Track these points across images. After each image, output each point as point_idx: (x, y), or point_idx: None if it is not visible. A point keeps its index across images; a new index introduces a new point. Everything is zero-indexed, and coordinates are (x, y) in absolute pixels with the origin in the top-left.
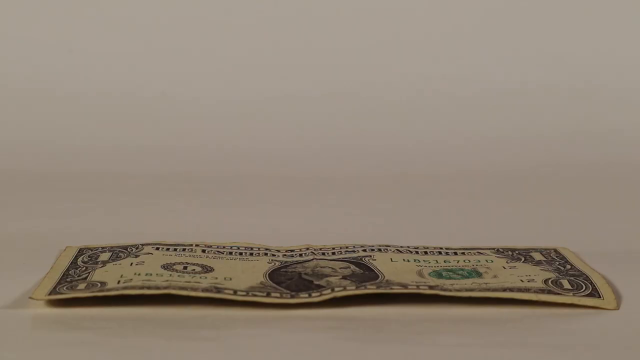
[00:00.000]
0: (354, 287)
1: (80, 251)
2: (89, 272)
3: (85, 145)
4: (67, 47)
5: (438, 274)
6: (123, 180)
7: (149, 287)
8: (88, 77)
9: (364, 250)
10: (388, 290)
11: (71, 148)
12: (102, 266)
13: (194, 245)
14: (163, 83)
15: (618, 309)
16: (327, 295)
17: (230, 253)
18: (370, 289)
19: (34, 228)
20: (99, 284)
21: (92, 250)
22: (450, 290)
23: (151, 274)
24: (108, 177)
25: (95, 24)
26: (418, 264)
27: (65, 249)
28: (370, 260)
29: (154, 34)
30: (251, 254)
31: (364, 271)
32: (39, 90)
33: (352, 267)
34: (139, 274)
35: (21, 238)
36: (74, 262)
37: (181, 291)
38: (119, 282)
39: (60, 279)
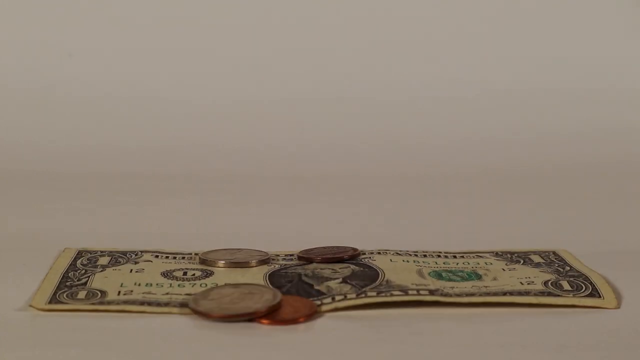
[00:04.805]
0: (354, 295)
1: (79, 253)
2: (89, 276)
3: (86, 145)
4: (67, 51)
5: (438, 274)
6: (123, 180)
7: (149, 303)
8: (88, 80)
9: (364, 254)
10: (388, 298)
11: (71, 148)
12: (101, 270)
13: (193, 254)
14: (163, 84)
15: (619, 307)
16: (329, 305)
17: None
18: (371, 296)
19: (34, 228)
20: (99, 293)
21: (91, 254)
22: (451, 296)
23: (151, 284)
24: (108, 177)
25: (94, 29)
26: (418, 264)
27: (64, 250)
28: (370, 261)
29: (154, 35)
30: None
31: (364, 269)
32: (39, 92)
33: (352, 266)
34: (139, 284)
35: (21, 238)
36: (73, 264)
37: (182, 309)
38: (119, 292)
39: (60, 282)
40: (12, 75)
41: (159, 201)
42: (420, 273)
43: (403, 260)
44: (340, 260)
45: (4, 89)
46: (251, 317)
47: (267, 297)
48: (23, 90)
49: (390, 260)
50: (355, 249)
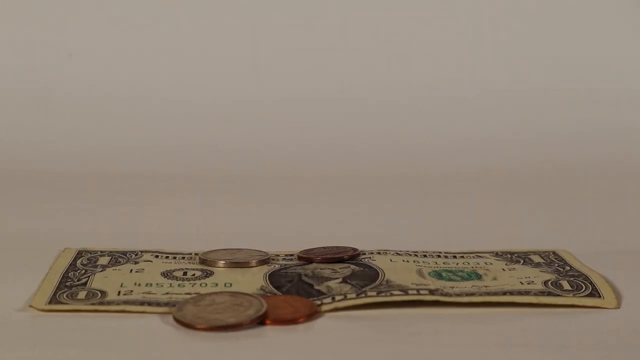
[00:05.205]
0: (354, 295)
1: (79, 253)
2: (89, 276)
3: (86, 145)
4: (67, 51)
5: (438, 274)
6: (123, 180)
7: (149, 303)
8: (88, 80)
9: (364, 254)
10: (388, 298)
11: (71, 148)
12: (101, 270)
13: (193, 254)
14: (163, 84)
15: (619, 307)
16: (329, 305)
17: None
18: (371, 295)
19: (34, 228)
20: (99, 294)
21: (91, 254)
22: (451, 295)
23: (151, 284)
24: (108, 177)
25: (94, 29)
26: (417, 264)
27: (64, 250)
28: (370, 261)
29: (154, 35)
30: None
31: (364, 268)
32: (40, 92)
33: (352, 266)
34: (139, 284)
35: (21, 238)
36: (73, 264)
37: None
38: (119, 292)
39: (60, 282)
40: (12, 75)
41: (159, 201)
42: (420, 273)
43: (403, 260)
44: (340, 260)
45: (4, 89)
46: (226, 330)
47: (250, 312)
48: (23, 90)
49: (390, 260)
50: (355, 249)
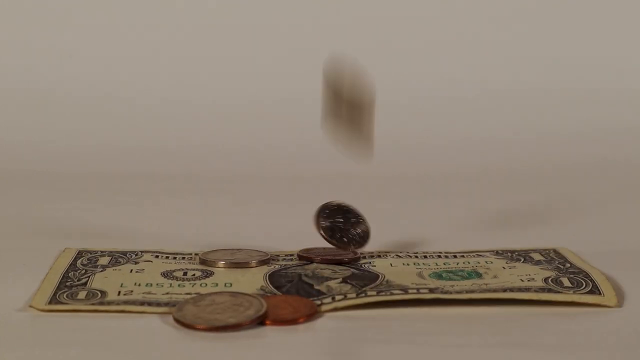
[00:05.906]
0: (354, 295)
1: (80, 253)
2: (89, 276)
3: (86, 145)
4: (67, 52)
5: (438, 275)
6: (123, 180)
7: (149, 303)
8: (88, 80)
9: (364, 257)
10: (389, 297)
11: (71, 148)
12: (101, 270)
13: (193, 254)
14: (163, 84)
15: (619, 305)
16: (329, 305)
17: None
18: (371, 295)
19: (34, 228)
20: (99, 294)
21: (91, 254)
22: (451, 293)
23: (151, 284)
24: (108, 177)
25: (94, 30)
26: (418, 267)
27: (64, 250)
28: (370, 267)
29: (154, 35)
30: None
31: (364, 271)
32: (40, 93)
33: (352, 269)
34: (139, 285)
35: (21, 238)
36: (73, 264)
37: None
38: (119, 292)
39: (60, 282)
40: (12, 75)
41: (159, 201)
42: (420, 275)
43: (403, 264)
44: (339, 263)
45: (4, 89)
46: (226, 330)
47: (250, 312)
48: (23, 90)
49: (391, 264)
50: (355, 251)
